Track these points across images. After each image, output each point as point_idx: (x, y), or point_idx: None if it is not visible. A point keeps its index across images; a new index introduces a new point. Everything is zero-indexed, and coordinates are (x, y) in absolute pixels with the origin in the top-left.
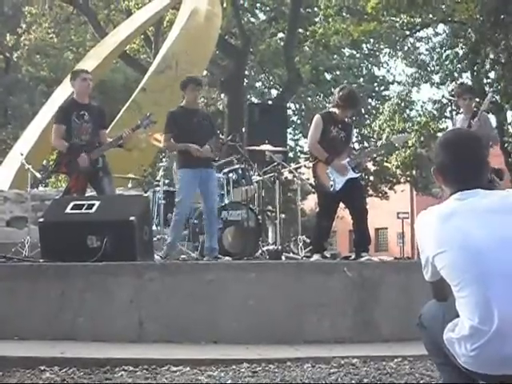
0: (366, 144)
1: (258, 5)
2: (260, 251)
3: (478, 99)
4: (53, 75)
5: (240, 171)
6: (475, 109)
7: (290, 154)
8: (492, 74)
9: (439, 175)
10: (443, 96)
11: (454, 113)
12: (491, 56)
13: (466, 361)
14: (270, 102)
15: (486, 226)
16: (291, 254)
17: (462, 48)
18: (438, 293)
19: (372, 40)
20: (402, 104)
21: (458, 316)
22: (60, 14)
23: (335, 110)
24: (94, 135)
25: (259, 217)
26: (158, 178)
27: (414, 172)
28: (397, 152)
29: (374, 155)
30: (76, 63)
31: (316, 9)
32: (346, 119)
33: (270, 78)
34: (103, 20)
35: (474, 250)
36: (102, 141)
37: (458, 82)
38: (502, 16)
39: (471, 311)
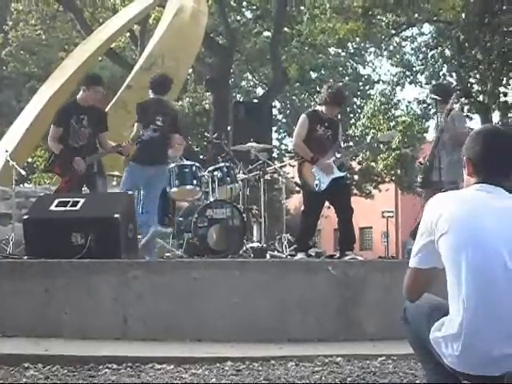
0: (350, 143)
1: (244, 3)
2: (244, 249)
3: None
4: (40, 71)
5: (225, 169)
6: (450, 107)
7: (275, 154)
8: (477, 74)
9: (469, 165)
10: (427, 96)
11: (437, 114)
12: (478, 56)
13: (452, 361)
14: (255, 101)
15: (500, 223)
16: (276, 253)
17: (447, 48)
18: (416, 284)
19: (357, 39)
20: (387, 103)
21: (445, 315)
22: (47, 10)
23: (322, 108)
24: (92, 140)
25: (244, 215)
26: None
27: (398, 171)
28: (381, 155)
29: (360, 154)
30: (62, 60)
31: (302, 7)
32: (333, 117)
33: (256, 76)
34: (89, 18)
35: (482, 245)
36: (101, 144)
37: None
38: (487, 19)
39: (459, 307)
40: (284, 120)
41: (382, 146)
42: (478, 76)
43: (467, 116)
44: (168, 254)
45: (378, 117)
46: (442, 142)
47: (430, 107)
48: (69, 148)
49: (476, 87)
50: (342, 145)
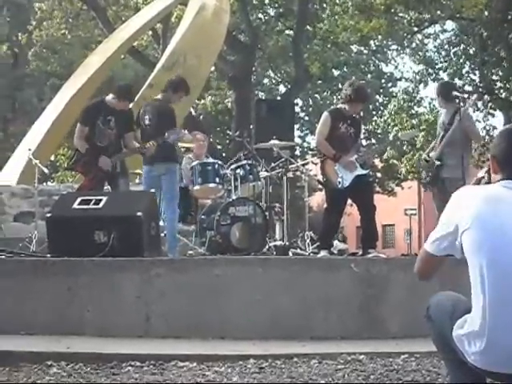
0: (373, 140)
1: (267, 1)
2: (267, 247)
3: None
4: (62, 70)
5: (247, 167)
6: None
7: (298, 151)
8: (500, 71)
9: (494, 162)
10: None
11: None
12: (501, 53)
13: (475, 358)
14: (277, 99)
15: None
16: (298, 250)
17: (470, 45)
18: (428, 267)
19: (380, 36)
20: (410, 101)
21: (467, 312)
22: (70, 9)
23: (345, 105)
24: (117, 140)
25: (266, 213)
26: None
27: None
28: (406, 155)
29: (383, 152)
30: (84, 58)
31: (324, 5)
32: (355, 115)
33: (278, 74)
34: (112, 16)
35: (504, 243)
36: (126, 144)
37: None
38: (510, 16)
39: (482, 304)
40: (306, 118)
41: (405, 145)
42: (500, 73)
43: (489, 113)
44: (191, 252)
45: (401, 114)
46: (449, 139)
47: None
48: (93, 147)
49: (499, 84)
50: (365, 142)
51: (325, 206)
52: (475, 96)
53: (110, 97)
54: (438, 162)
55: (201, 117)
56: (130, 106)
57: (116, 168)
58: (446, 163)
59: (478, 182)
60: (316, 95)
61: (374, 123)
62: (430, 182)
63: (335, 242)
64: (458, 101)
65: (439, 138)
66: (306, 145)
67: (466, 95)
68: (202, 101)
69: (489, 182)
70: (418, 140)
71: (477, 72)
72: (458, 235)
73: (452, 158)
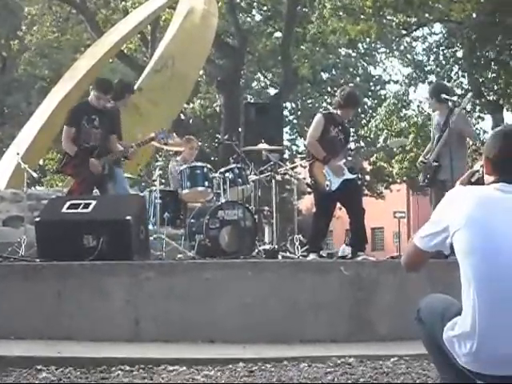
0: (362, 144)
1: (255, 4)
2: (256, 250)
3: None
4: (50, 74)
5: (236, 170)
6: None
7: (287, 155)
8: (489, 74)
9: (488, 164)
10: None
11: (433, 113)
12: (490, 56)
13: (465, 361)
14: (266, 102)
15: None
16: (288, 254)
17: (458, 47)
18: (417, 261)
19: (368, 39)
20: (399, 104)
21: (458, 314)
22: (60, 13)
23: (337, 111)
24: (104, 141)
25: (255, 216)
26: (154, 178)
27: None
28: (396, 157)
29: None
30: (73, 62)
31: (314, 6)
32: (346, 122)
33: (268, 77)
34: (102, 20)
35: (495, 245)
36: (110, 146)
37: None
38: (498, 18)
39: (472, 305)
40: (295, 121)
41: (394, 149)
42: (489, 76)
43: (479, 116)
44: (180, 256)
45: (391, 118)
46: (446, 140)
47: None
48: (81, 149)
49: (488, 87)
50: (353, 146)
51: (314, 210)
52: (470, 94)
53: (91, 95)
54: (435, 164)
55: (190, 121)
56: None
57: (104, 170)
58: (443, 164)
59: (471, 175)
60: (305, 98)
61: (365, 128)
62: (428, 183)
63: (343, 247)
64: (450, 103)
65: (436, 140)
66: (294, 148)
67: (455, 98)
68: (191, 105)
69: (482, 177)
70: (404, 147)
71: (465, 75)
72: (449, 235)
73: (449, 158)
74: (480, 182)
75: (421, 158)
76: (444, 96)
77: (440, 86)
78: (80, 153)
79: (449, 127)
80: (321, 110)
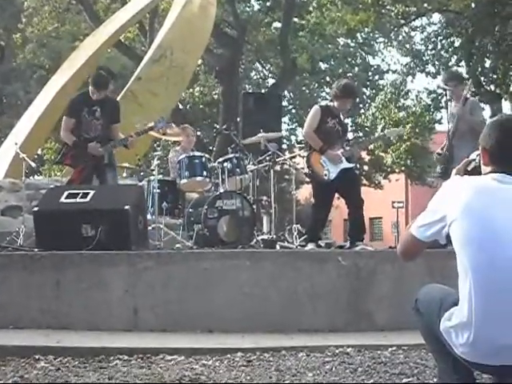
0: (360, 133)
1: None
2: (255, 240)
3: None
4: (49, 63)
5: (235, 160)
6: (466, 95)
7: (285, 145)
8: (487, 64)
9: (485, 154)
10: (438, 86)
11: (449, 103)
12: (489, 46)
13: (462, 351)
14: (264, 92)
15: (511, 213)
16: (286, 243)
17: (457, 37)
18: (413, 251)
19: (367, 29)
20: (397, 93)
21: (455, 305)
22: (59, 3)
23: (334, 103)
24: (105, 131)
25: (254, 206)
26: (152, 167)
27: (408, 162)
28: (392, 146)
29: (368, 146)
30: (71, 51)
31: None
32: (343, 115)
33: (266, 67)
34: (102, 9)
35: (492, 235)
36: (113, 135)
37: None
38: (496, 8)
39: (469, 295)
40: (294, 111)
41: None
42: (488, 65)
43: None
44: (178, 246)
45: (389, 107)
46: (459, 131)
47: (440, 97)
48: (81, 139)
49: (486, 77)
50: (351, 136)
51: (312, 200)
52: (469, 82)
53: (91, 88)
54: (447, 154)
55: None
56: (118, 99)
57: (103, 159)
58: (456, 155)
59: (468, 164)
60: (303, 88)
61: (362, 116)
62: (441, 174)
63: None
64: (446, 93)
65: (451, 132)
66: (293, 138)
67: (449, 87)
68: (190, 90)
69: (479, 166)
70: (402, 136)
71: (464, 65)
72: (445, 224)
73: (462, 149)
74: (477, 170)
75: (438, 150)
76: (441, 85)
77: (451, 73)
78: (80, 143)
79: (458, 118)
80: (318, 101)
